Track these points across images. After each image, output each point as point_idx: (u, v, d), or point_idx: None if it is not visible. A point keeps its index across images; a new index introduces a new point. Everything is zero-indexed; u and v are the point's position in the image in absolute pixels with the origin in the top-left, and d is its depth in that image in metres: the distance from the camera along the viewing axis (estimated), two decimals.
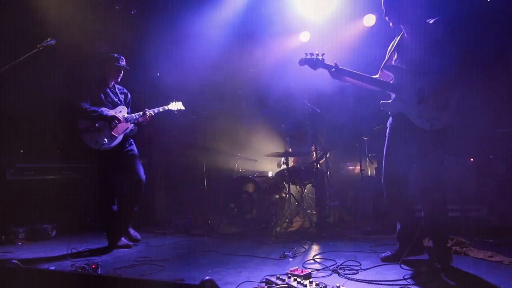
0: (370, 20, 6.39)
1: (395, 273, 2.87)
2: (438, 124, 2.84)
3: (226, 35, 6.61)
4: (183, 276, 3.01)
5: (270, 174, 5.81)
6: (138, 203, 4.54)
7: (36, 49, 3.27)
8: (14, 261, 2.10)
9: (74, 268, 3.07)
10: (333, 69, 3.21)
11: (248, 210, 4.87)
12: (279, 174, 5.83)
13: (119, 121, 4.15)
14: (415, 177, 3.06)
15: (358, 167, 6.07)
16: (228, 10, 6.58)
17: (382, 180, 3.20)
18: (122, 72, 4.34)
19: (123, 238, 4.25)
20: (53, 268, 3.14)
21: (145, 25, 6.54)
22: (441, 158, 2.96)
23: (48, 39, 3.34)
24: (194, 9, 6.43)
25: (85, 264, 3.07)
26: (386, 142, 3.19)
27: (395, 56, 3.14)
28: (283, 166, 5.73)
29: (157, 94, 6.20)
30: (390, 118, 3.20)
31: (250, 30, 6.84)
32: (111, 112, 4.15)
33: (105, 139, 4.11)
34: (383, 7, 3.07)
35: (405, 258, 3.00)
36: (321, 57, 3.28)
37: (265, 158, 6.43)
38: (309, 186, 5.92)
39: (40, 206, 5.01)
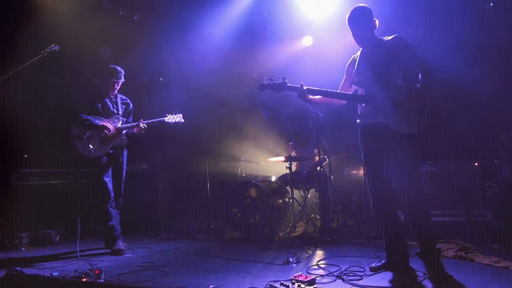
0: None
1: (398, 278, 2.85)
2: (422, 125, 2.93)
3: (229, 40, 6.62)
4: (186, 282, 3.00)
5: (273, 178, 5.79)
6: (119, 212, 4.54)
7: (40, 55, 3.29)
8: (17, 268, 2.10)
9: (78, 274, 3.06)
10: (299, 90, 3.23)
11: (251, 215, 4.85)
12: (282, 178, 5.81)
13: (109, 131, 4.32)
14: (395, 183, 3.07)
15: (361, 171, 6.05)
16: (231, 15, 6.60)
17: (368, 190, 3.22)
18: (119, 85, 4.51)
19: (119, 242, 4.29)
20: (56, 274, 3.13)
21: (148, 31, 6.57)
22: (418, 161, 3.06)
23: (52, 45, 3.37)
24: (196, 14, 6.44)
25: (88, 270, 3.06)
26: (362, 154, 3.24)
27: (357, 73, 3.23)
28: (286, 170, 5.71)
29: (161, 99, 6.22)
30: (359, 130, 3.24)
31: (253, 34, 6.85)
32: (102, 122, 4.34)
33: (94, 147, 4.34)
34: (350, 30, 3.19)
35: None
36: (282, 81, 3.29)
37: (268, 162, 6.42)
38: (312, 190, 5.91)
39: (44, 211, 5.02)
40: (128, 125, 4.44)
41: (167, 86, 6.76)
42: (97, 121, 4.34)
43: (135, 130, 4.43)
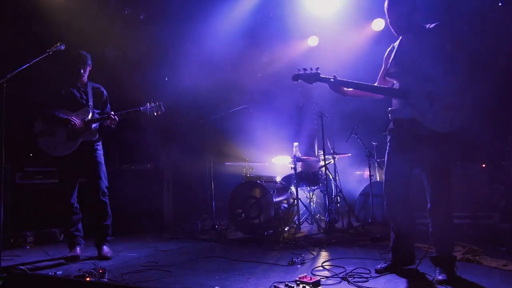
0: (379, 24, 6.35)
1: (406, 281, 2.81)
2: (456, 124, 2.78)
3: (234, 40, 6.62)
4: (190, 282, 2.98)
5: (277, 178, 5.77)
6: (103, 214, 4.03)
7: (46, 54, 3.29)
8: (21, 267, 2.09)
9: (82, 273, 3.05)
10: (332, 80, 3.15)
11: (256, 215, 4.83)
12: (287, 178, 5.79)
13: (75, 125, 3.86)
14: (425, 184, 2.97)
15: (367, 172, 6.02)
16: (236, 15, 6.59)
17: (383, 188, 3.12)
18: (86, 71, 4.06)
19: (77, 248, 3.95)
20: (60, 273, 3.13)
21: (153, 30, 6.57)
22: (451, 162, 2.97)
23: (58, 44, 3.36)
24: (201, 14, 6.44)
25: (92, 269, 3.06)
26: (387, 149, 3.12)
27: (394, 63, 3.10)
28: (291, 171, 5.69)
29: (165, 99, 6.22)
30: (391, 124, 3.12)
31: (259, 34, 6.84)
32: (68, 116, 3.88)
33: (59, 144, 3.89)
34: (387, 17, 3.07)
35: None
36: (315, 71, 3.23)
37: (273, 163, 6.40)
38: (317, 191, 5.88)
39: (49, 209, 5.03)
40: (97, 117, 3.97)
41: (171, 86, 6.75)
42: (61, 115, 3.86)
43: (108, 122, 3.95)
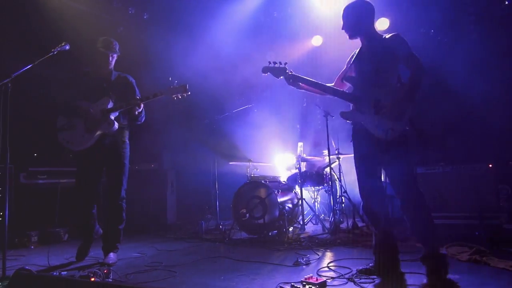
0: (383, 24, 6.32)
1: (412, 281, 2.79)
2: (393, 134, 2.84)
3: (239, 40, 6.60)
4: (194, 283, 2.97)
5: (282, 178, 5.75)
6: (117, 218, 3.79)
7: (51, 54, 3.28)
8: (26, 267, 2.08)
9: (86, 273, 3.05)
10: (289, 75, 3.21)
11: (260, 215, 4.81)
12: (291, 178, 5.77)
13: (91, 115, 3.60)
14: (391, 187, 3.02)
15: None
16: (241, 15, 6.58)
17: (360, 194, 3.16)
18: (113, 58, 3.78)
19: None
20: (65, 273, 3.12)
21: (158, 29, 6.57)
22: (407, 167, 2.92)
23: (63, 44, 3.36)
24: (206, 14, 6.43)
25: (97, 269, 3.05)
26: (353, 154, 3.19)
27: (353, 67, 3.19)
28: (295, 171, 5.67)
29: (168, 98, 6.21)
30: (352, 127, 3.19)
31: (263, 34, 6.83)
32: (86, 105, 3.64)
33: (77, 138, 3.62)
34: (342, 20, 3.14)
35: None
36: (283, 66, 3.26)
37: (277, 163, 6.38)
38: (321, 191, 5.85)
39: (53, 209, 5.03)
40: (116, 106, 3.62)
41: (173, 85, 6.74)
42: (79, 105, 3.63)
43: (133, 109, 3.61)
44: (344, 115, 3.12)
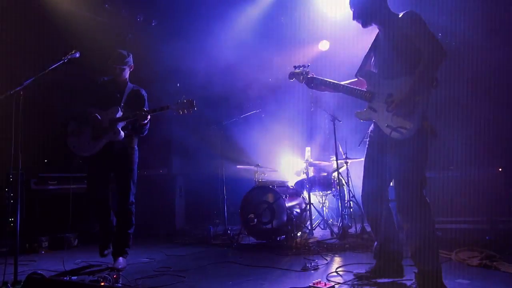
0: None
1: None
2: (407, 133, 2.55)
3: (246, 45, 6.64)
4: None
5: (290, 183, 5.75)
6: (126, 222, 3.81)
7: (61, 61, 3.33)
8: (39, 271, 2.12)
9: (96, 278, 3.08)
10: (313, 78, 3.12)
11: (268, 220, 4.81)
12: (299, 183, 5.76)
13: (98, 123, 3.69)
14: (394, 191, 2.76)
15: None
16: (247, 20, 6.62)
17: (361, 194, 2.98)
18: (120, 71, 3.83)
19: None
20: (75, 278, 3.15)
21: (165, 36, 6.64)
22: (418, 170, 2.62)
23: (73, 51, 3.40)
24: (213, 20, 6.49)
25: (106, 274, 3.08)
26: (365, 153, 2.98)
27: (372, 59, 2.93)
28: (303, 176, 5.67)
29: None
30: (372, 125, 2.96)
31: (270, 39, 6.86)
32: (95, 113, 3.73)
33: (84, 144, 3.73)
34: (351, 9, 2.87)
35: (382, 280, 2.82)
36: (306, 68, 3.19)
37: (285, 167, 6.38)
38: (329, 196, 5.84)
39: (63, 215, 5.08)
40: (124, 116, 3.70)
41: (183, 92, 6.79)
42: (89, 112, 3.74)
43: (138, 119, 3.65)
44: (358, 115, 2.87)
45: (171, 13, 6.54)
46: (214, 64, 6.59)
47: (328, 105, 5.48)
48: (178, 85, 7.01)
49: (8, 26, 5.09)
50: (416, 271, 2.64)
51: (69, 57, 3.36)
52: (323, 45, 7.11)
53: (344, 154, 5.67)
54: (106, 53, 4.13)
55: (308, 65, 3.20)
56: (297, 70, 3.22)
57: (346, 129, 5.89)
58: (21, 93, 3.00)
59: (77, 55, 3.43)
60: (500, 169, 4.31)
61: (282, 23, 6.85)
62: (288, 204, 4.88)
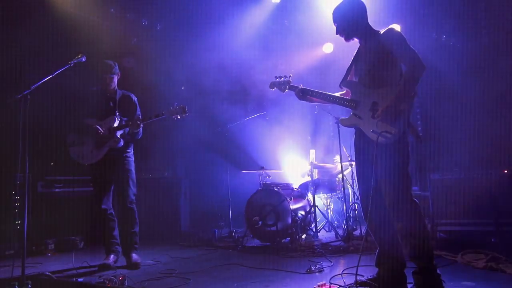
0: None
1: None
2: (392, 137, 2.68)
3: (250, 48, 6.67)
4: None
5: (294, 186, 5.76)
6: (130, 221, 4.02)
7: (68, 66, 3.36)
8: (47, 273, 2.14)
9: (102, 280, 3.10)
10: (298, 89, 3.19)
11: (273, 222, 4.82)
12: (304, 186, 5.77)
13: (100, 133, 3.89)
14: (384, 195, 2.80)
15: None
16: (252, 23, 6.65)
17: (360, 204, 3.05)
18: (109, 80, 4.03)
19: (111, 256, 3.98)
20: (81, 279, 3.18)
21: (170, 40, 6.69)
22: (401, 172, 2.71)
23: (79, 56, 3.43)
24: (217, 23, 6.52)
25: (112, 276, 3.10)
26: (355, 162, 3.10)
27: (353, 70, 3.06)
28: (307, 178, 5.67)
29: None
30: (354, 134, 3.08)
31: (274, 42, 6.88)
32: (94, 124, 3.93)
33: (87, 153, 3.98)
34: (334, 24, 3.01)
35: None
36: (288, 79, 3.29)
37: (289, 170, 6.39)
38: (334, 198, 5.84)
39: (69, 217, 5.12)
40: (121, 124, 3.95)
41: (188, 94, 6.83)
42: (88, 124, 3.97)
43: (130, 128, 3.92)
44: (342, 122, 3.02)
45: (175, 17, 6.58)
46: (218, 67, 6.61)
47: (332, 108, 5.49)
48: (183, 88, 7.05)
49: (14, 31, 5.14)
50: (414, 270, 2.69)
51: (75, 61, 3.40)
52: (327, 48, 7.12)
53: (349, 156, 5.68)
54: (109, 58, 4.20)
55: (290, 76, 3.31)
56: (278, 80, 3.33)
57: (350, 132, 5.88)
58: (29, 97, 3.03)
59: (83, 59, 3.46)
60: (505, 171, 4.28)
61: (285, 26, 6.88)
62: (293, 207, 4.88)
